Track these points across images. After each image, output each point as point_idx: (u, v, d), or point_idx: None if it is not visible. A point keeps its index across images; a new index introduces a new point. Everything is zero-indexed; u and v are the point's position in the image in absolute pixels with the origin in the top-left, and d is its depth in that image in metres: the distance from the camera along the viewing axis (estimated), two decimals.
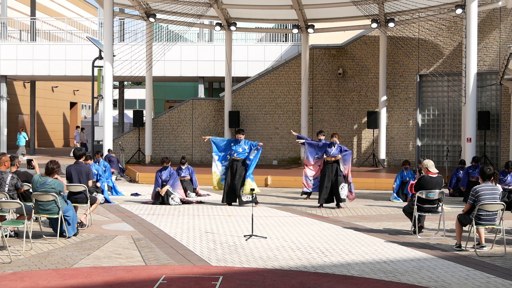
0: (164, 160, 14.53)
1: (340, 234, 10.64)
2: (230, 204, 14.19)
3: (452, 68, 22.70)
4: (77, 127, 33.00)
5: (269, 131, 25.13)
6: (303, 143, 14.86)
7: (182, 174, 15.88)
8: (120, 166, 20.74)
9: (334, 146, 14.06)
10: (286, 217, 12.54)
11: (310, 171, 14.60)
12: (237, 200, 14.22)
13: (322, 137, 15.03)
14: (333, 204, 14.21)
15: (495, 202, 9.16)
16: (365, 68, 24.47)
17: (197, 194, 16.13)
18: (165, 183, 14.31)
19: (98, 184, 14.21)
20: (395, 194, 15.55)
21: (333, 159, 14.02)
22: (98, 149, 20.75)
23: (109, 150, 20.07)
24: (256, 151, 14.13)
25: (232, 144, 14.30)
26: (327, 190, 13.97)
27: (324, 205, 14.13)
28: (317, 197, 14.35)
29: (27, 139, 29.44)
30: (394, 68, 23.99)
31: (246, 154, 14.16)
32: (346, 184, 14.03)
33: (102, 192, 14.34)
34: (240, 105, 25.21)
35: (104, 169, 15.49)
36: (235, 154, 14.11)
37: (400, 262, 8.45)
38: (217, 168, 14.39)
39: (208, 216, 12.58)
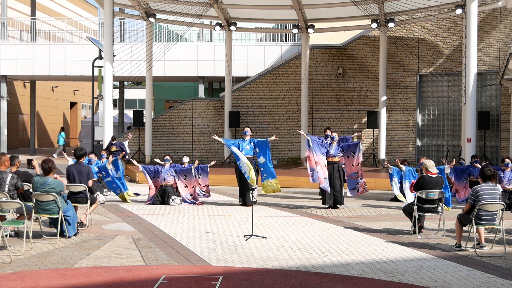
0: (166, 160, 14.54)
1: (340, 234, 10.64)
2: (245, 205, 14.00)
3: (452, 68, 22.70)
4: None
5: (269, 131, 25.13)
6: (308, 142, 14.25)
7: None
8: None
9: (334, 144, 13.94)
10: (286, 217, 12.55)
11: (322, 171, 13.65)
12: (245, 200, 14.00)
13: (329, 132, 14.73)
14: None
15: (495, 202, 9.16)
16: (365, 68, 24.47)
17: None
18: (164, 180, 14.30)
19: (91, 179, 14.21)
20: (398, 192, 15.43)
21: (334, 159, 13.95)
22: (98, 149, 20.75)
23: (113, 138, 20.05)
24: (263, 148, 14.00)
25: (240, 143, 14.21)
26: (332, 193, 13.87)
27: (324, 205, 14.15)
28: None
29: (65, 138, 29.89)
30: (394, 68, 23.99)
31: (253, 152, 14.07)
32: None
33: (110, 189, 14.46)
34: (240, 105, 25.21)
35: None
36: (243, 152, 13.99)
37: (400, 262, 8.46)
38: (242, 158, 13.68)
39: (208, 216, 12.59)
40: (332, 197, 13.87)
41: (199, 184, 14.66)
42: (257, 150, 14.06)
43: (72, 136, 42.82)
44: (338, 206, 13.94)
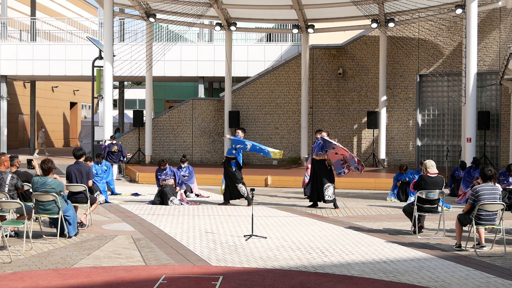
0: (161, 163, 14.50)
1: (340, 234, 10.64)
2: (227, 204, 14.22)
3: (452, 68, 22.70)
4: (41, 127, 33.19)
5: (269, 131, 25.14)
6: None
7: (182, 173, 15.86)
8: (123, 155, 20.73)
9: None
10: (286, 217, 12.55)
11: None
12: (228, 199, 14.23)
13: (318, 135, 15.00)
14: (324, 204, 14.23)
15: (495, 202, 9.16)
16: (365, 68, 24.47)
17: (197, 195, 16.12)
18: (164, 181, 14.31)
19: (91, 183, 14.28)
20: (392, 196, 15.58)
21: (317, 158, 14.06)
22: (98, 149, 20.76)
23: (112, 137, 20.06)
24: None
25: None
26: (313, 189, 14.08)
27: (325, 205, 14.16)
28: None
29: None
30: (394, 68, 23.99)
31: (233, 151, 14.14)
32: (332, 185, 13.95)
33: (101, 192, 14.38)
34: (240, 105, 25.21)
35: (105, 168, 15.48)
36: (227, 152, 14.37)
37: (400, 262, 8.46)
38: None
39: (208, 216, 12.59)
40: (314, 194, 14.07)
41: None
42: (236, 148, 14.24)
43: (72, 136, 42.84)
44: (318, 202, 14.06)
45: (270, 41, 30.27)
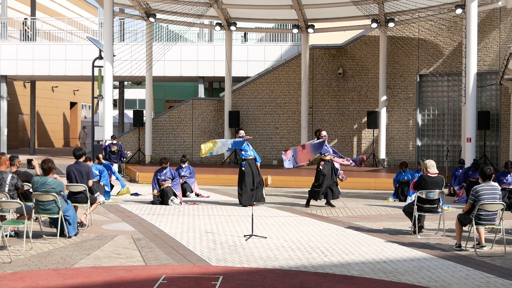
0: (163, 161, 14.49)
1: (340, 234, 10.64)
2: (245, 206, 14.05)
3: (452, 68, 22.70)
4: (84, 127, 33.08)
5: (269, 131, 25.14)
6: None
7: (182, 173, 15.87)
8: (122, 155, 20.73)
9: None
10: (286, 217, 12.55)
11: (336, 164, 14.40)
12: (257, 199, 14.06)
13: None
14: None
15: (495, 202, 9.16)
16: (365, 68, 24.47)
17: (197, 195, 16.12)
18: (163, 182, 14.31)
19: (102, 183, 14.31)
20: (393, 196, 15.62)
21: (326, 157, 14.17)
22: (98, 150, 20.75)
23: (112, 137, 20.05)
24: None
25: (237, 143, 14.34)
26: (325, 188, 14.11)
27: (322, 204, 14.21)
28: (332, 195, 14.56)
29: None
30: (394, 68, 23.99)
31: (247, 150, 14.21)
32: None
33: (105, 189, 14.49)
34: (240, 105, 25.21)
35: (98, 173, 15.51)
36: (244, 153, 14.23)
37: (400, 262, 8.46)
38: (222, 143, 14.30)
39: (208, 216, 12.59)
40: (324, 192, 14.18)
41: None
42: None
43: (72, 136, 42.84)
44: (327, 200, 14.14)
45: (246, 40, 30.40)
